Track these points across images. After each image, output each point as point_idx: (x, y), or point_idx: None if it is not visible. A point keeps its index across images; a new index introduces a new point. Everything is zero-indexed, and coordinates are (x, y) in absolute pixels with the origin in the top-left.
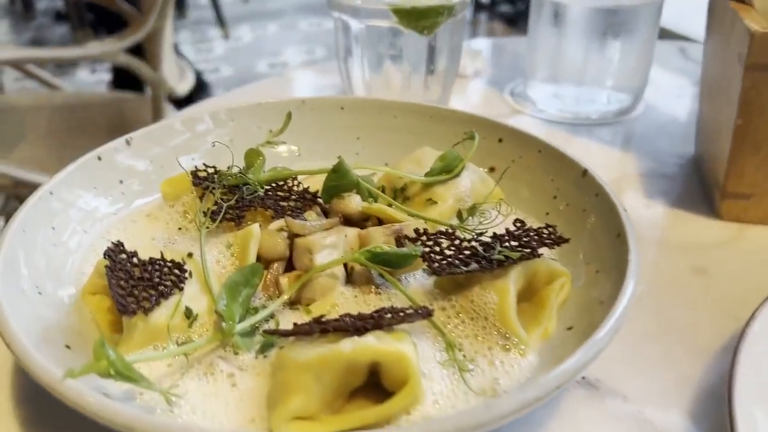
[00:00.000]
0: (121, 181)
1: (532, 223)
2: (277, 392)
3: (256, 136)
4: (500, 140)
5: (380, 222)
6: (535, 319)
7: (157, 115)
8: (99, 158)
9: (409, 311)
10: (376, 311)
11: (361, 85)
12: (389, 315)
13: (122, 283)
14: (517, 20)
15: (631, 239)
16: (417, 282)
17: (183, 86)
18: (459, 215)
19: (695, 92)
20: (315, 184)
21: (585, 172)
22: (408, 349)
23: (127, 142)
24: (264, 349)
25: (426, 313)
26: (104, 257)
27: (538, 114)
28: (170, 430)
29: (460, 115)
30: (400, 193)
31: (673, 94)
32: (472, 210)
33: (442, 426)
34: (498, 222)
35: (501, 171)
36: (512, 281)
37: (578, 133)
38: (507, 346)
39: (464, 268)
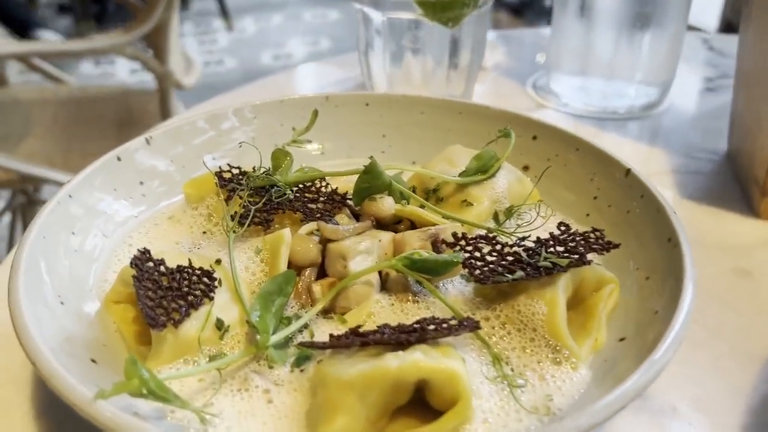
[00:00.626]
0: (141, 183)
1: (573, 225)
2: (318, 412)
3: (280, 133)
4: (534, 137)
5: (413, 225)
6: (584, 330)
7: (164, 109)
8: (118, 158)
9: (454, 323)
10: (418, 322)
11: (381, 79)
12: (433, 327)
13: (150, 293)
14: (522, 10)
15: (685, 244)
16: (456, 289)
17: (189, 79)
18: (495, 218)
19: (722, 84)
20: (342, 184)
21: (628, 172)
22: (458, 366)
23: (147, 141)
24: (299, 362)
25: (473, 326)
26: (131, 266)
27: (562, 108)
28: None
29: (492, 111)
30: (432, 195)
31: (700, 88)
32: (510, 212)
33: None
34: (538, 225)
35: (535, 170)
36: (561, 290)
37: (605, 128)
38: (558, 360)
39: (509, 276)
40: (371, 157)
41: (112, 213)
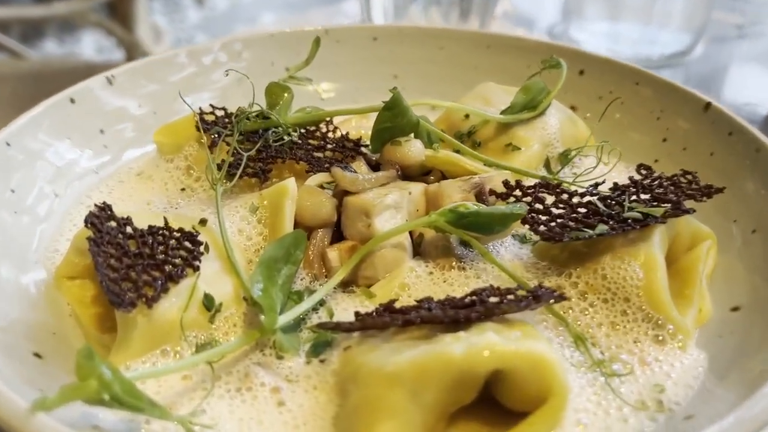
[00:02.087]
0: (102, 131)
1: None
2: (353, 418)
3: (271, 74)
4: (581, 72)
5: (444, 177)
6: (684, 297)
7: None
8: (72, 100)
9: (524, 294)
10: (473, 293)
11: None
12: (496, 300)
13: (113, 262)
14: None
15: None
16: (510, 253)
17: (159, 49)
18: (547, 165)
19: (753, 32)
20: (353, 130)
21: (708, 106)
22: (547, 350)
23: (109, 81)
24: (317, 350)
25: (558, 296)
26: (86, 225)
27: None
28: None
29: (527, 42)
30: (467, 139)
31: (731, 34)
32: (567, 157)
33: None
34: (602, 173)
35: (584, 110)
36: (658, 247)
37: None
38: (660, 337)
39: (590, 232)
40: (394, 89)
41: (65, 166)
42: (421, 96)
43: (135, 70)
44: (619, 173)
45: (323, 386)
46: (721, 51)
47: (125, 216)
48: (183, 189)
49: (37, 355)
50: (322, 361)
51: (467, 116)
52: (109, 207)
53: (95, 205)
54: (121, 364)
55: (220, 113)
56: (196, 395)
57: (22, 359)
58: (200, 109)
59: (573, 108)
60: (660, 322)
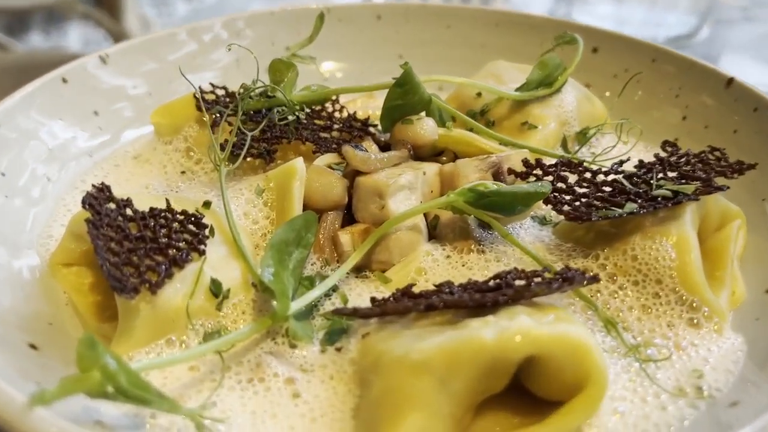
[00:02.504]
0: (96, 113)
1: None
2: (379, 411)
3: (272, 53)
4: (595, 50)
5: (457, 157)
6: (716, 279)
7: None
8: (64, 80)
9: (551, 276)
10: (497, 276)
11: None
12: (523, 283)
13: (113, 245)
14: None
15: None
16: (530, 235)
17: None
18: (564, 145)
19: (758, 15)
20: (360, 109)
21: (730, 82)
22: (585, 334)
23: (103, 60)
24: (332, 337)
25: (590, 278)
26: (84, 206)
27: None
28: None
29: (538, 19)
30: (480, 118)
31: (736, 17)
32: (585, 136)
33: None
34: (622, 152)
35: (599, 89)
36: (690, 226)
37: None
38: (695, 320)
39: (619, 211)
40: (406, 64)
41: (57, 148)
42: (427, 75)
43: (132, 49)
44: (638, 153)
45: (341, 376)
46: (727, 33)
47: (125, 197)
48: (183, 172)
49: (32, 346)
50: (338, 350)
51: (479, 94)
52: (108, 188)
53: (93, 186)
54: (123, 355)
55: (220, 92)
56: (205, 387)
57: (17, 351)
58: (200, 88)
59: (587, 86)
60: (695, 304)
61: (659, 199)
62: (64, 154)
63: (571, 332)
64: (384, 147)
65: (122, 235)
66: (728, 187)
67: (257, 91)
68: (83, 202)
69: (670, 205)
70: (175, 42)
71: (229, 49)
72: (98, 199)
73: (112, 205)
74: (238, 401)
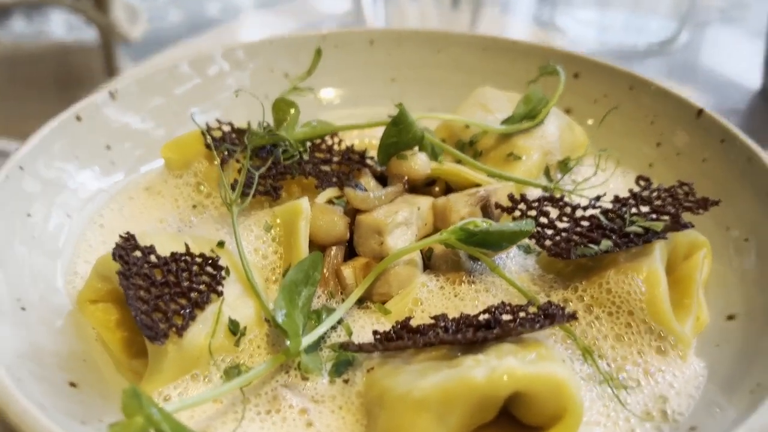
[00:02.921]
0: (108, 147)
1: (633, 177)
2: None
3: (271, 81)
4: (576, 75)
5: (448, 186)
6: (682, 307)
7: (110, 65)
8: (78, 118)
9: (535, 311)
10: (487, 311)
11: (373, 16)
12: (509, 318)
13: (142, 293)
14: None
15: None
16: (516, 264)
17: (136, 31)
18: (547, 173)
19: (737, 16)
20: (357, 140)
21: (701, 113)
22: (564, 372)
23: (112, 96)
24: (339, 369)
25: (568, 316)
26: (114, 259)
27: (571, 46)
28: None
29: (524, 46)
30: (468, 148)
31: (715, 18)
32: (566, 165)
33: None
34: (600, 181)
35: (580, 114)
36: (659, 262)
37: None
38: (662, 348)
39: (596, 248)
40: (400, 105)
41: (76, 186)
42: (420, 99)
43: (138, 83)
44: (616, 178)
45: (348, 406)
46: (706, 35)
47: (149, 244)
48: (194, 206)
49: (72, 384)
50: (345, 381)
51: (468, 126)
52: (133, 237)
53: (120, 237)
54: (153, 391)
55: (226, 128)
56: (228, 419)
57: (59, 391)
58: (207, 125)
59: (568, 111)
60: (662, 333)
61: (632, 236)
62: (81, 191)
63: (552, 371)
64: (380, 177)
65: (149, 282)
66: (693, 225)
67: (264, 133)
68: (113, 254)
69: (640, 243)
70: (178, 75)
71: (237, 96)
72: (126, 249)
73: (138, 253)
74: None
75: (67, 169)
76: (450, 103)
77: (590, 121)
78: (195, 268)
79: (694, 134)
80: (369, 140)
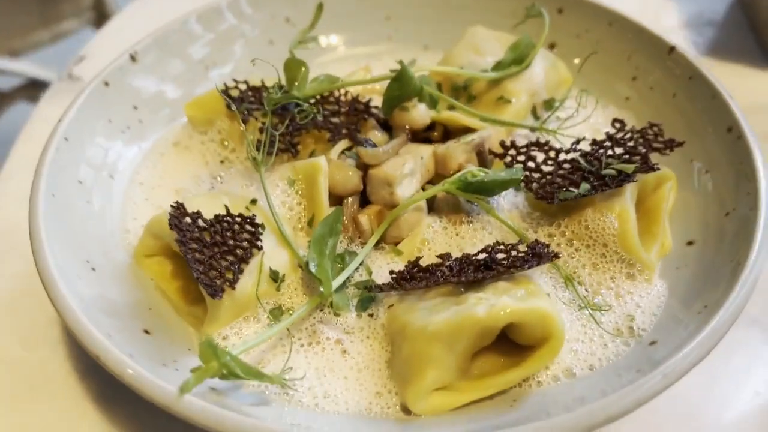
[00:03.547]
0: (135, 107)
1: (611, 110)
2: (408, 367)
3: (275, 28)
4: (560, 11)
5: (446, 130)
6: (650, 234)
7: None
8: (106, 83)
9: (525, 250)
10: (484, 250)
11: None
12: (503, 257)
13: (198, 255)
14: None
15: (750, 135)
16: (508, 202)
17: None
18: (534, 112)
19: None
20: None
21: (672, 50)
22: (548, 306)
23: (133, 58)
24: (364, 305)
25: (551, 255)
26: (171, 228)
27: None
28: None
29: None
30: (462, 92)
31: None
32: (551, 105)
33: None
34: (582, 119)
35: (563, 47)
36: (629, 200)
37: None
38: (632, 274)
39: (576, 191)
40: (400, 62)
41: (113, 148)
42: (413, 36)
43: (155, 44)
44: (596, 112)
45: (375, 336)
46: None
47: (195, 209)
48: (222, 161)
49: (146, 331)
50: (370, 315)
51: (462, 68)
52: (182, 205)
53: (171, 206)
54: (214, 332)
55: (243, 86)
56: (278, 351)
57: (138, 339)
58: (225, 85)
59: (552, 45)
60: (631, 261)
61: (607, 178)
62: (119, 152)
63: (539, 305)
64: (384, 124)
65: (201, 244)
66: (659, 168)
67: (278, 92)
68: (169, 224)
69: (614, 187)
70: (191, 34)
71: (254, 64)
72: (178, 218)
73: (188, 219)
74: (304, 361)
75: (104, 133)
76: (443, 39)
77: (572, 54)
78: (236, 227)
79: (665, 70)
80: (371, 86)
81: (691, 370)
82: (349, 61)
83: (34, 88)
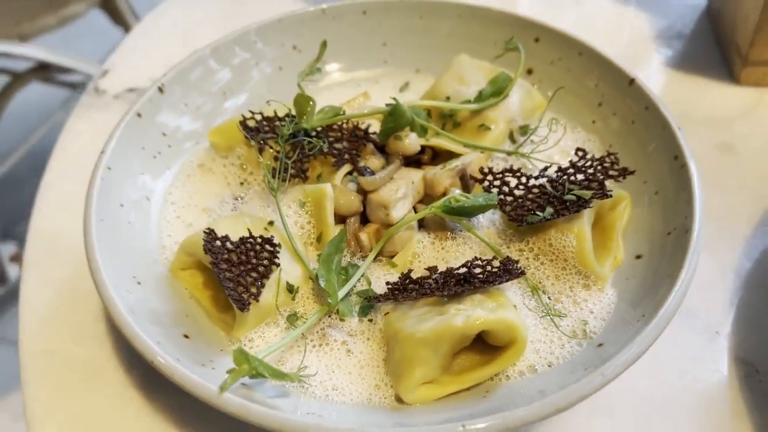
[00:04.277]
0: (164, 134)
1: (579, 133)
2: (398, 365)
3: (283, 56)
4: (537, 40)
5: (434, 152)
6: (605, 249)
7: None
8: (139, 115)
9: (498, 266)
10: (464, 265)
11: None
12: (479, 271)
13: (228, 274)
14: None
15: (692, 164)
16: (487, 220)
17: None
18: (511, 137)
19: None
20: (357, 110)
21: (632, 82)
22: (514, 316)
23: (160, 90)
24: (364, 311)
25: (518, 273)
26: (205, 252)
27: None
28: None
29: (493, 13)
30: (449, 119)
31: None
32: (526, 131)
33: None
34: (553, 144)
35: (539, 73)
36: (587, 223)
37: None
38: (587, 284)
39: (541, 215)
40: (394, 98)
41: (148, 172)
42: (407, 60)
43: (179, 78)
44: (566, 135)
45: (374, 338)
46: None
47: (224, 234)
48: (241, 183)
49: (185, 336)
50: (370, 320)
51: (448, 98)
52: (213, 231)
53: (204, 232)
54: (242, 336)
55: (258, 116)
56: (294, 351)
57: (180, 343)
58: (242, 116)
59: (530, 71)
60: (587, 274)
61: (568, 204)
62: (153, 175)
63: (506, 316)
64: (380, 148)
65: (230, 264)
66: (612, 195)
67: (289, 126)
68: (204, 249)
69: (572, 212)
70: (208, 69)
71: (268, 104)
72: (210, 242)
73: (218, 243)
74: (315, 359)
75: (139, 159)
76: (433, 63)
77: (546, 80)
78: (258, 247)
79: (626, 99)
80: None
81: (626, 369)
82: (350, 84)
83: (45, 70)
